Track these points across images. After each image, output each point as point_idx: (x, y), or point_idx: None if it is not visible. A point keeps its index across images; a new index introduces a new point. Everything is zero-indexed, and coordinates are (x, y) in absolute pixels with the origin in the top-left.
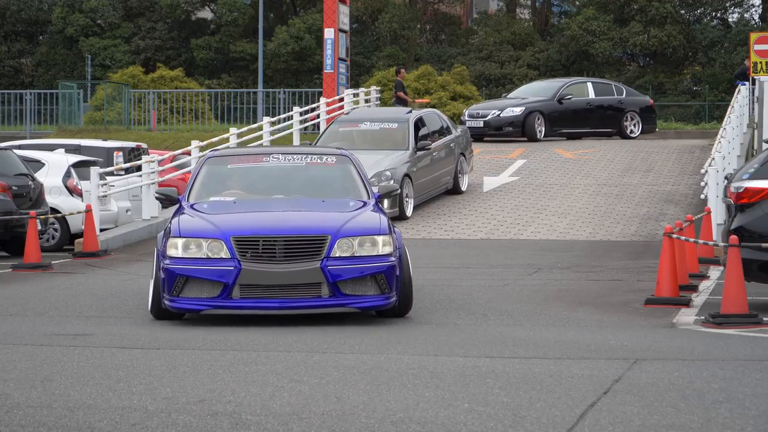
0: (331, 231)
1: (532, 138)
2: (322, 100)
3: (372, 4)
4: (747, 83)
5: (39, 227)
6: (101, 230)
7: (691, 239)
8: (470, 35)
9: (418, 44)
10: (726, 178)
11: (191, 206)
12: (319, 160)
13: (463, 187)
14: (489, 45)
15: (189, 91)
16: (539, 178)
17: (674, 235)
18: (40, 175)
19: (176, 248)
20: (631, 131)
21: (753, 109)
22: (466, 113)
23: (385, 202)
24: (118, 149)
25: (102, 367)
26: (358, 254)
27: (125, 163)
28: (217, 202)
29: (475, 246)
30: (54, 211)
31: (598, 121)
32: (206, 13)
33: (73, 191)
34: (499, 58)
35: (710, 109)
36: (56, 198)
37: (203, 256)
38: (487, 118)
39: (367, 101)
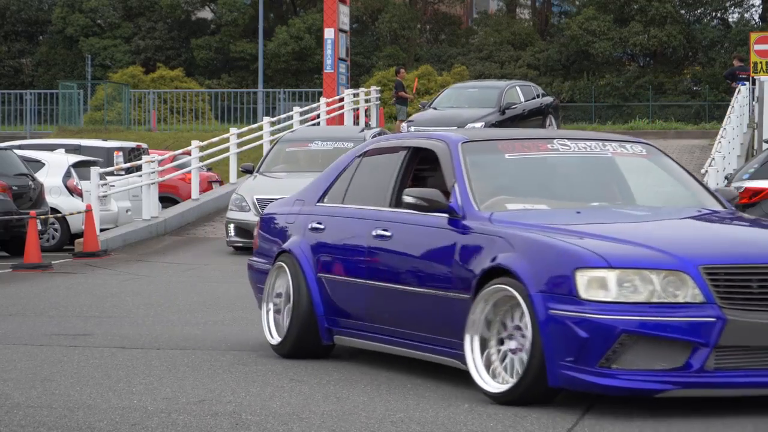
0: None
1: None
2: (322, 100)
3: (372, 4)
4: (746, 83)
5: (39, 227)
6: (101, 230)
7: None
8: (470, 35)
9: (418, 44)
10: (726, 178)
11: (489, 217)
12: (625, 150)
13: None
14: (489, 45)
15: (189, 91)
16: None
17: None
18: (40, 175)
19: (605, 287)
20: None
21: (753, 109)
22: (413, 131)
23: None
24: (118, 149)
25: (102, 367)
26: None
27: (125, 163)
28: (536, 213)
29: None
30: (54, 211)
31: (529, 126)
32: (206, 13)
33: (73, 191)
34: (499, 58)
35: (710, 109)
36: (56, 198)
37: (656, 300)
38: None
39: (367, 101)
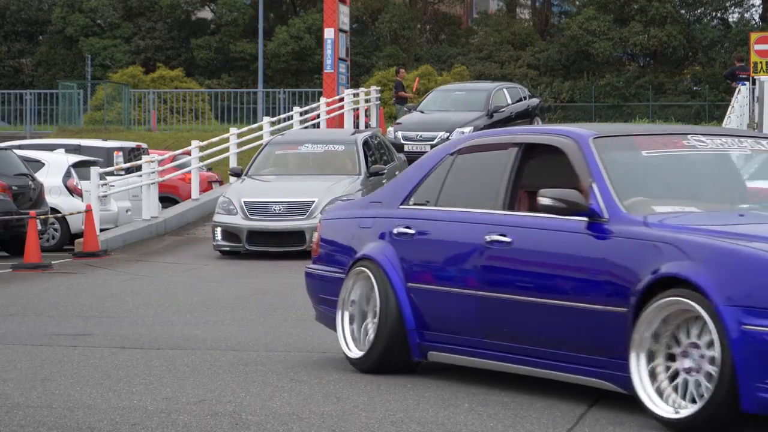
0: None
1: None
2: (322, 100)
3: (372, 4)
4: (746, 83)
5: (39, 227)
6: (101, 230)
7: None
8: (470, 35)
9: (418, 44)
10: None
11: (644, 221)
12: (762, 147)
13: None
14: (489, 45)
15: (189, 91)
16: None
17: None
18: (40, 175)
19: None
20: None
21: (753, 109)
22: (400, 135)
23: None
24: (118, 149)
25: (102, 367)
26: None
27: (125, 163)
28: (695, 215)
29: None
30: (54, 211)
31: None
32: (206, 13)
33: (73, 191)
34: (499, 58)
35: (710, 109)
36: (56, 198)
37: None
38: (434, 142)
39: (367, 101)
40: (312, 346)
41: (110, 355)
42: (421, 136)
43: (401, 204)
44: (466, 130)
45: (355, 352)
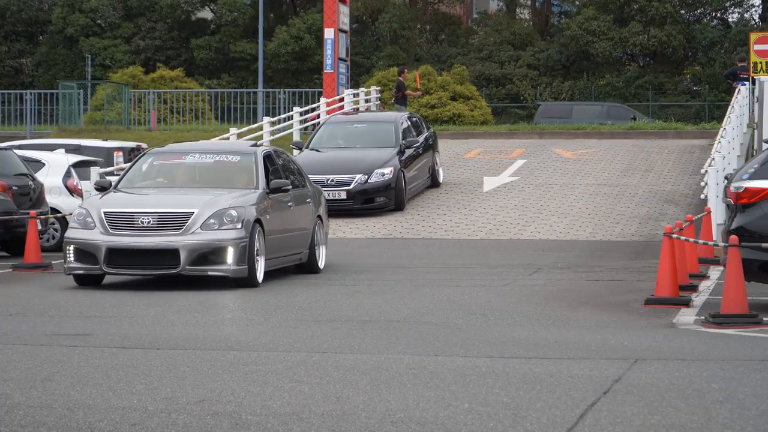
0: None
1: (401, 207)
2: (322, 100)
3: (372, 4)
4: (746, 83)
5: (39, 227)
6: None
7: (691, 239)
8: (470, 35)
9: (418, 44)
10: (726, 178)
11: None
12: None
13: (321, 263)
14: (489, 45)
15: (189, 91)
16: (539, 178)
17: (674, 235)
18: (40, 175)
19: None
20: (438, 172)
21: (753, 109)
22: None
23: (230, 256)
24: (118, 149)
25: (102, 367)
26: None
27: (125, 163)
28: None
29: (475, 246)
30: (54, 211)
31: (422, 168)
32: (206, 13)
33: (73, 191)
34: (499, 58)
35: (710, 109)
36: (56, 198)
37: None
38: (350, 187)
39: (367, 101)
40: (312, 346)
41: (110, 355)
42: (333, 181)
43: None
44: (387, 171)
45: None
